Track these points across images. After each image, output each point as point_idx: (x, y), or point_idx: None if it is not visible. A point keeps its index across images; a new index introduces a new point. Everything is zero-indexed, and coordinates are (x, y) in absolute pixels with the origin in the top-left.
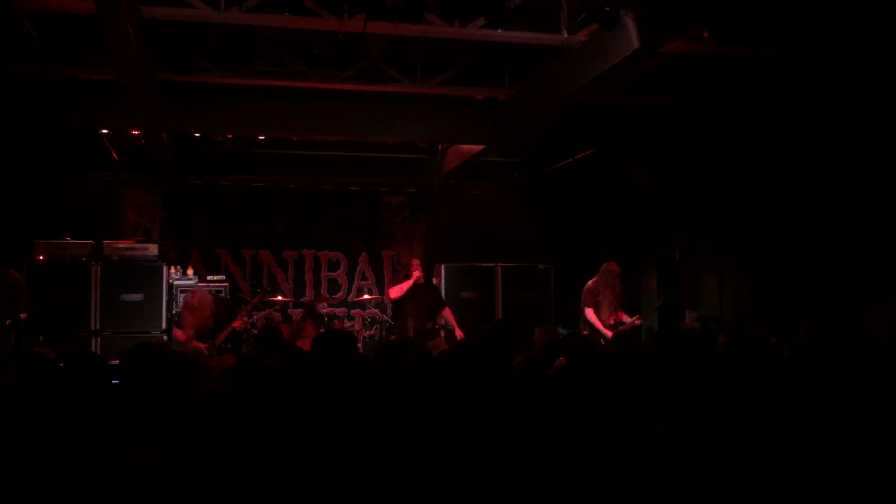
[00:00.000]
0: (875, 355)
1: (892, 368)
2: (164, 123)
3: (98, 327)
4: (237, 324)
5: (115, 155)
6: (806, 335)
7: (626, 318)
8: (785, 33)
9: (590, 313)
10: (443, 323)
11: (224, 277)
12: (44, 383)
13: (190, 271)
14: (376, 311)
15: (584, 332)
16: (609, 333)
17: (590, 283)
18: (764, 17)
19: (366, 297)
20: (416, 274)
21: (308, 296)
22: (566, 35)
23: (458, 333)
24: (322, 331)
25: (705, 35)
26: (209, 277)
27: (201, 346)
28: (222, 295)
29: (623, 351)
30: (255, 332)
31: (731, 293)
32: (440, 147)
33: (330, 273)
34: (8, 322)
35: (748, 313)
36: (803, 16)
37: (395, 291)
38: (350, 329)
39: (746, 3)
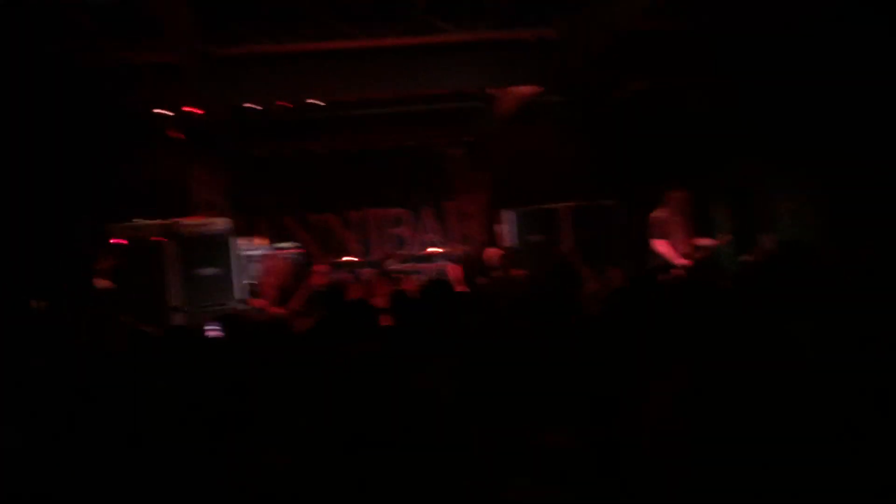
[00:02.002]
0: None
1: None
2: (222, 99)
3: (178, 303)
4: (311, 284)
5: (178, 135)
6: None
7: (707, 242)
8: None
9: (661, 244)
10: None
11: (293, 244)
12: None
13: (259, 241)
14: (444, 264)
15: (658, 265)
16: (686, 262)
17: (657, 212)
18: None
19: (433, 250)
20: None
21: (376, 254)
22: None
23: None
24: (394, 288)
25: None
26: (279, 245)
27: (280, 310)
28: (295, 260)
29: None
30: None
31: (805, 218)
32: (494, 94)
33: (395, 230)
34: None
35: (824, 237)
36: None
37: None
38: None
39: None
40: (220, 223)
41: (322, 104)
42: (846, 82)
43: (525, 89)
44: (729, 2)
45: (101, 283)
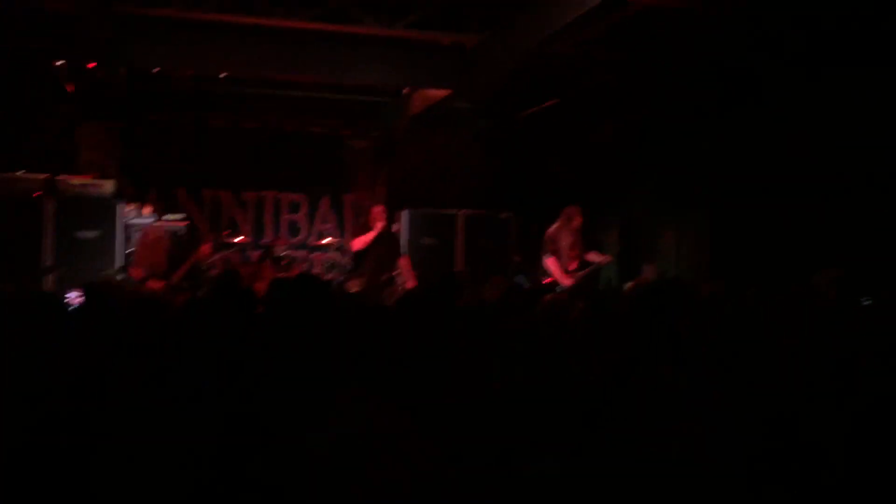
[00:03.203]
0: (820, 307)
1: (836, 318)
2: (121, 57)
3: (52, 264)
4: (193, 260)
5: (71, 88)
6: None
7: (596, 258)
8: None
9: (549, 261)
10: (398, 272)
11: (183, 216)
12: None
13: (147, 210)
14: (336, 254)
15: (546, 281)
16: (568, 282)
17: (550, 229)
18: None
19: (326, 240)
20: (379, 224)
21: (267, 238)
22: None
23: (410, 283)
24: (281, 274)
25: None
26: (167, 216)
27: (157, 284)
28: (180, 233)
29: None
30: (213, 273)
31: (688, 250)
32: (405, 91)
33: (290, 215)
34: None
35: (704, 271)
36: None
37: (359, 243)
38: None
39: None
40: (107, 186)
41: (225, 77)
42: (748, 123)
43: (437, 92)
44: (645, 35)
45: None
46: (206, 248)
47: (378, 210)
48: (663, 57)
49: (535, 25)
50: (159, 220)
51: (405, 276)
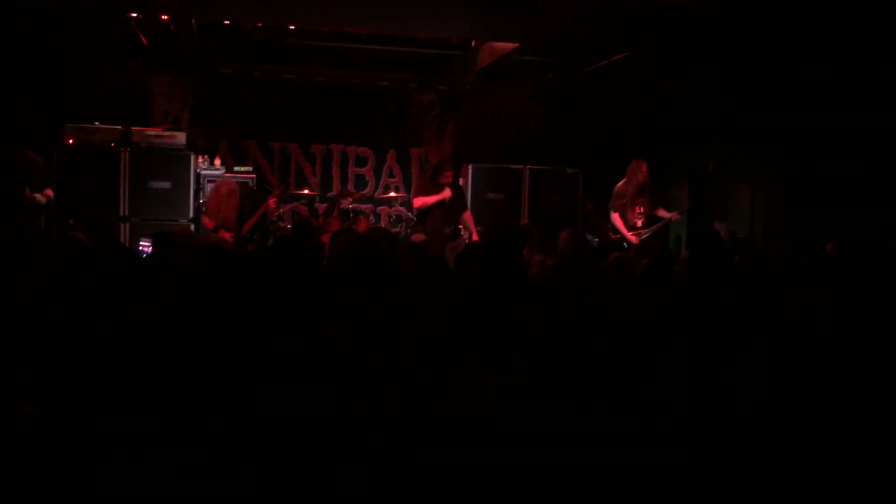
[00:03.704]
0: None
1: None
2: (192, 9)
3: (127, 213)
4: (261, 212)
5: (144, 40)
6: (832, 252)
7: (665, 214)
8: None
9: (614, 217)
10: (462, 226)
11: (251, 169)
12: (77, 267)
13: (217, 161)
14: (402, 209)
15: (614, 237)
16: (634, 238)
17: (618, 185)
18: None
19: (392, 194)
20: (446, 193)
21: (335, 191)
22: None
23: (475, 237)
24: (346, 225)
25: None
26: (237, 168)
27: (228, 235)
28: (250, 185)
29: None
30: (281, 224)
31: (763, 208)
32: (473, 44)
33: (357, 169)
34: (27, 203)
35: (779, 230)
36: None
37: (419, 203)
38: (376, 226)
39: None
40: (180, 137)
41: (295, 30)
42: (823, 82)
43: (504, 45)
44: None
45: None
46: (272, 201)
47: (449, 173)
48: (738, 7)
49: None
50: (229, 171)
51: (470, 229)
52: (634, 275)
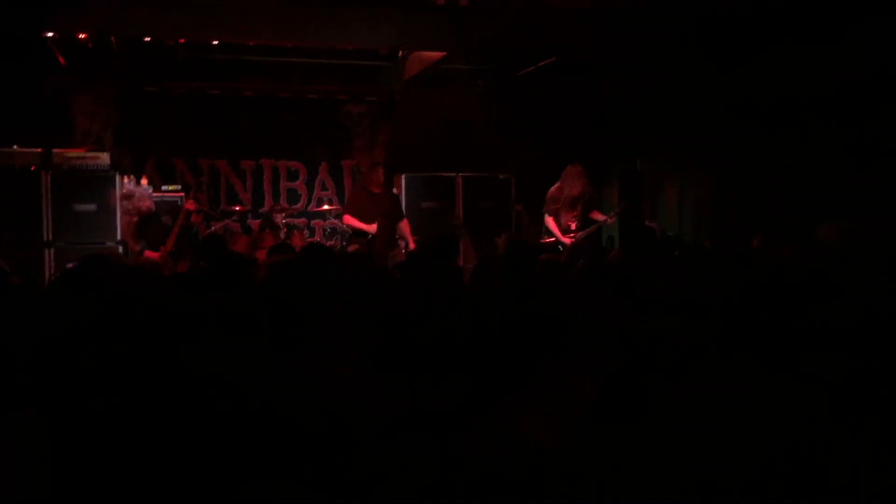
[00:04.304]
0: (822, 259)
1: (838, 271)
2: (111, 27)
3: (51, 238)
4: (181, 220)
5: (61, 60)
6: (758, 244)
7: (599, 217)
8: None
9: (548, 221)
10: (399, 236)
11: (180, 187)
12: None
13: (144, 181)
14: (336, 221)
15: (546, 240)
16: (568, 241)
17: (552, 189)
18: None
19: (326, 207)
20: (372, 229)
21: (267, 206)
22: None
23: (411, 245)
24: (281, 241)
25: None
26: (164, 187)
27: (153, 255)
28: (178, 203)
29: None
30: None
31: (692, 207)
32: (401, 54)
33: (289, 183)
34: None
35: (707, 227)
36: None
37: (348, 220)
38: (310, 240)
39: None
40: (103, 158)
41: (218, 44)
42: (753, 76)
43: (433, 53)
44: None
45: None
46: (189, 204)
47: (377, 173)
48: (663, 9)
49: None
50: (157, 190)
51: (407, 238)
52: (571, 276)
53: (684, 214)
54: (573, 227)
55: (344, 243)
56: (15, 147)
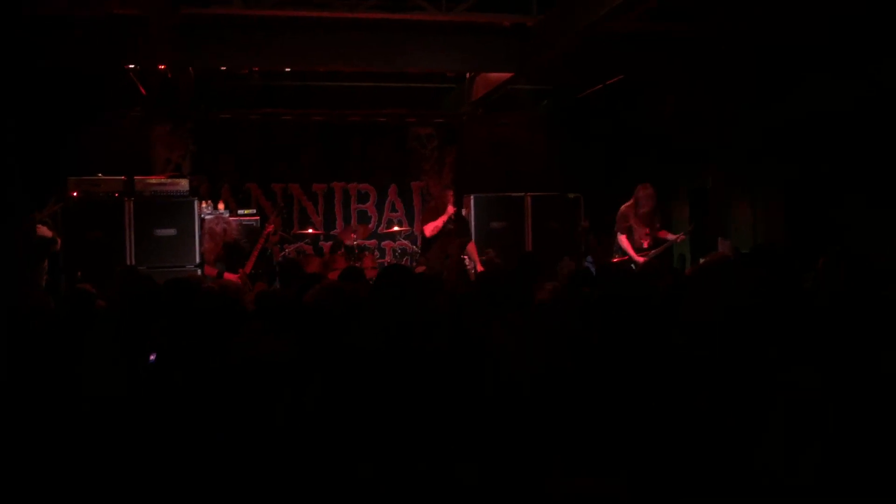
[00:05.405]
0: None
1: None
2: (188, 58)
3: (134, 262)
4: (261, 244)
5: (142, 90)
6: (822, 266)
7: (669, 236)
8: None
9: (621, 239)
10: (466, 256)
11: (255, 211)
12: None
13: (221, 206)
14: (406, 242)
15: (615, 259)
16: (640, 259)
17: (623, 207)
18: None
19: (396, 228)
20: (451, 210)
21: (338, 228)
22: None
23: (479, 267)
24: (353, 263)
25: None
26: (240, 212)
27: (233, 276)
28: (254, 227)
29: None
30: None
31: (764, 223)
32: (467, 76)
33: (360, 205)
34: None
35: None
36: None
37: (430, 229)
38: (381, 261)
39: None
40: (182, 184)
41: (290, 72)
42: (821, 93)
43: (499, 75)
44: (709, 10)
45: (43, 230)
46: (270, 228)
47: (450, 194)
48: (724, 27)
49: (594, 2)
50: (233, 215)
51: (474, 259)
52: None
53: (758, 232)
54: (646, 244)
55: (413, 263)
56: (99, 175)
